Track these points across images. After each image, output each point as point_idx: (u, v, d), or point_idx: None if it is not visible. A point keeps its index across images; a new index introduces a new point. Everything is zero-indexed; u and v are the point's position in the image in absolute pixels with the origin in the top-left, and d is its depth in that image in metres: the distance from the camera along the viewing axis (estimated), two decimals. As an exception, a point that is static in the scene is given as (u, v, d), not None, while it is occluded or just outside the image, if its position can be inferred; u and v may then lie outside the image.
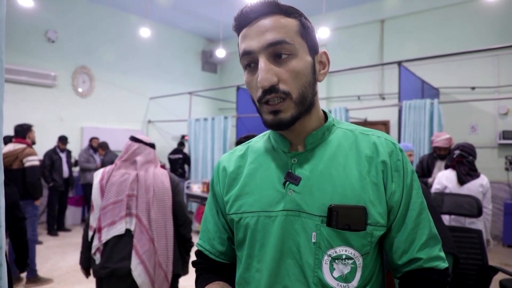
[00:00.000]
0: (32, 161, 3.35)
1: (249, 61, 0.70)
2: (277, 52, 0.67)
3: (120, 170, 1.86)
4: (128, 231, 1.76)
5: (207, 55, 8.63)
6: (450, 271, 1.71)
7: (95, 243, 1.78)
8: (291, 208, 0.71)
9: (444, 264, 0.72)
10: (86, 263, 1.87)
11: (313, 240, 0.69)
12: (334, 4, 6.42)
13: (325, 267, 0.68)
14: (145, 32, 5.70)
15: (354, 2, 6.49)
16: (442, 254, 0.73)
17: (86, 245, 1.86)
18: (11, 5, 5.25)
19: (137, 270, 1.72)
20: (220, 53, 6.65)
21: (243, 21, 0.70)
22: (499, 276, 2.19)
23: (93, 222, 1.81)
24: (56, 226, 5.33)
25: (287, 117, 0.68)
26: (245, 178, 0.79)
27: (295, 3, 0.80)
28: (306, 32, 0.71)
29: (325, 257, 0.68)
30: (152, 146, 1.97)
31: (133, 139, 1.92)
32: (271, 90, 0.67)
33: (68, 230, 5.46)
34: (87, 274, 1.92)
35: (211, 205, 0.88)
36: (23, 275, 3.38)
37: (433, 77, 5.56)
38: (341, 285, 0.68)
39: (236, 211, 0.78)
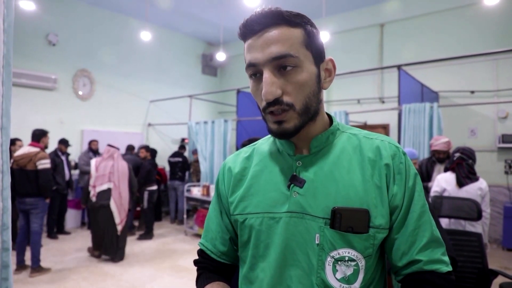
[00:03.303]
0: (45, 164, 3.71)
1: (254, 71, 0.70)
2: (281, 65, 0.67)
3: (105, 160, 4.20)
4: (108, 188, 4.07)
5: (207, 58, 8.66)
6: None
7: (92, 193, 4.06)
8: (295, 210, 0.72)
9: (446, 268, 0.70)
10: (84, 202, 4.23)
11: (317, 242, 0.69)
12: (334, 8, 6.45)
13: (328, 269, 0.69)
14: (145, 35, 5.72)
15: (353, 6, 6.52)
16: (446, 258, 0.71)
17: (86, 193, 4.15)
18: (13, 9, 5.28)
19: (112, 204, 4.04)
20: (220, 56, 6.66)
21: (249, 32, 0.69)
22: (499, 279, 2.18)
23: (92, 182, 4.08)
24: (56, 229, 5.33)
25: (291, 127, 0.69)
26: (250, 179, 0.80)
27: (295, 8, 0.81)
28: (311, 42, 0.70)
29: (328, 259, 0.69)
30: (117, 149, 4.32)
31: (110, 146, 4.30)
32: (274, 102, 0.67)
33: (67, 233, 5.46)
34: (84, 206, 4.40)
35: (215, 205, 0.89)
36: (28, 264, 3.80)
37: (432, 80, 5.57)
38: (343, 287, 0.68)
39: (240, 212, 0.79)
